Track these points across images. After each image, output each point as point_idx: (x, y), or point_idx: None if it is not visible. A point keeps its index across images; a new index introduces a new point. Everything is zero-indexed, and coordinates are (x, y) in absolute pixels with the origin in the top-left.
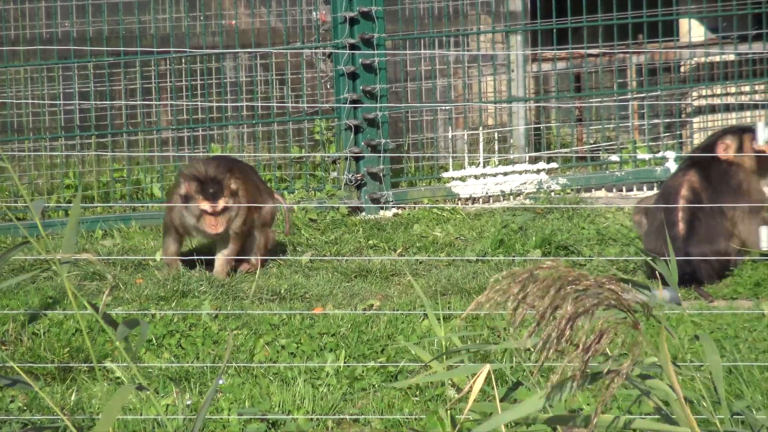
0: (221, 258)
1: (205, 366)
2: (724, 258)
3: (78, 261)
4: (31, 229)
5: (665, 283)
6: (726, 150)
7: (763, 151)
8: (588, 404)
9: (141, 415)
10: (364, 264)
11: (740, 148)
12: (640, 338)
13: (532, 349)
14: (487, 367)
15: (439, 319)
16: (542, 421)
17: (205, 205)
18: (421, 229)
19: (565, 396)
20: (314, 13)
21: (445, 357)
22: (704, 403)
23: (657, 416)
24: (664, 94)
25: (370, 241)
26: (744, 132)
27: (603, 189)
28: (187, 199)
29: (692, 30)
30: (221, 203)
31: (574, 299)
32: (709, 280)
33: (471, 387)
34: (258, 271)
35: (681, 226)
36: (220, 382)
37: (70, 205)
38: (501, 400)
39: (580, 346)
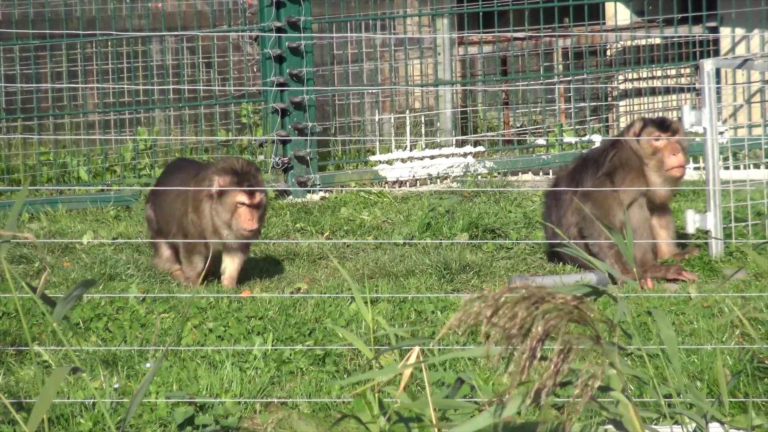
0: (234, 266)
1: (132, 349)
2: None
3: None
4: None
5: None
6: (633, 134)
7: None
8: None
9: (68, 398)
10: (291, 247)
11: (639, 136)
12: (602, 353)
13: (503, 370)
14: (416, 350)
15: (366, 303)
16: None
17: (243, 197)
18: (348, 212)
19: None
20: None
21: (373, 342)
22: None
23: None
24: (590, 78)
25: (298, 225)
26: (649, 123)
27: (530, 172)
28: (221, 194)
29: (618, 13)
30: (258, 196)
31: (543, 319)
32: (571, 263)
33: (401, 371)
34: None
35: (554, 213)
36: (149, 365)
37: None
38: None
39: (551, 367)
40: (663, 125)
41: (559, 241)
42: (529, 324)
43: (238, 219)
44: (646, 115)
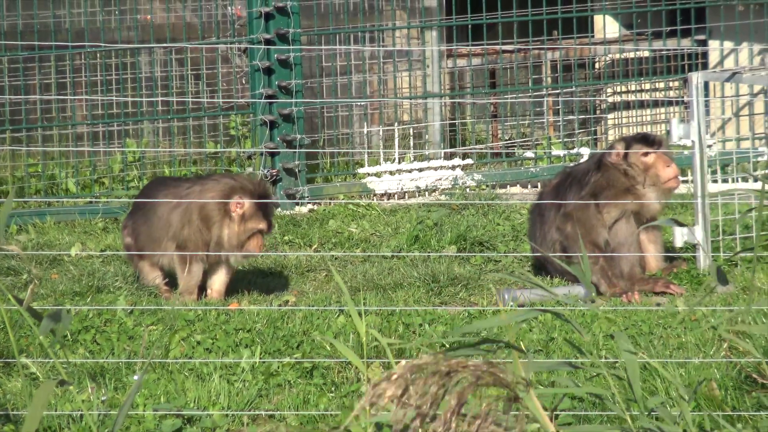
0: (223, 279)
1: (120, 361)
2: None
3: None
4: None
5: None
6: (617, 156)
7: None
8: None
9: (56, 410)
10: (279, 260)
11: (627, 156)
12: (522, 410)
13: None
14: (403, 362)
15: (360, 315)
16: None
17: (264, 226)
18: (336, 224)
19: None
20: (229, 8)
21: (366, 354)
22: (617, 401)
23: None
24: (578, 91)
25: (286, 237)
26: (633, 141)
27: (518, 185)
28: (243, 218)
29: (607, 26)
30: (273, 223)
31: (456, 390)
32: (559, 276)
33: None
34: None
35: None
36: (136, 377)
37: None
38: None
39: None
40: (648, 140)
41: (546, 254)
42: (441, 397)
43: (251, 243)
44: (625, 135)
